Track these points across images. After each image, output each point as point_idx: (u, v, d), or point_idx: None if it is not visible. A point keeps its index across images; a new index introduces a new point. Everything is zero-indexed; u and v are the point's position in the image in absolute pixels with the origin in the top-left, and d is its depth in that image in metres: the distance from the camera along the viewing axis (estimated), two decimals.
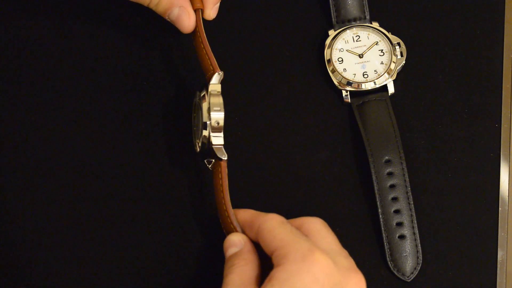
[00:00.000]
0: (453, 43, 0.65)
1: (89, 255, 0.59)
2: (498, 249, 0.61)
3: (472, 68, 0.64)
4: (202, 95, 0.57)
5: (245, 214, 0.55)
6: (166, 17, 0.58)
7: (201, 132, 0.56)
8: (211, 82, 0.56)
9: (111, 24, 0.64)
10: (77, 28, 0.64)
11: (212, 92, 0.56)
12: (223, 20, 0.64)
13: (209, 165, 0.57)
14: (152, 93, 0.63)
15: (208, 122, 0.55)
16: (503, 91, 0.64)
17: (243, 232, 0.55)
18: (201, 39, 0.58)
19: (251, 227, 0.54)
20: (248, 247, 0.54)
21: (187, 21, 0.57)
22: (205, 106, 0.56)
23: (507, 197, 0.62)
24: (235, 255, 0.54)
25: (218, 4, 0.60)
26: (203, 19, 0.59)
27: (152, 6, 0.58)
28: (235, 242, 0.54)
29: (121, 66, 0.64)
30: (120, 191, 0.61)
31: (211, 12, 0.59)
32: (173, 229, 0.60)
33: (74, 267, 0.59)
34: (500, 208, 0.61)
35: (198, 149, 0.58)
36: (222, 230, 0.57)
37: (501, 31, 0.65)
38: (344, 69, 0.63)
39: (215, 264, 0.59)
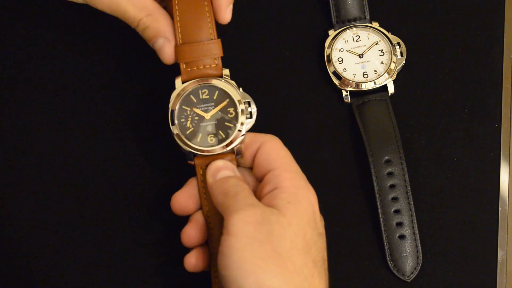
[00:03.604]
0: (453, 43, 0.65)
1: (89, 256, 0.60)
2: (498, 249, 0.61)
3: (472, 68, 0.64)
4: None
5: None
6: (151, 45, 0.57)
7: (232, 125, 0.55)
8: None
9: (110, 24, 0.64)
10: (77, 28, 0.64)
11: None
12: None
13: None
14: (149, 94, 0.63)
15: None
16: (503, 91, 0.64)
17: None
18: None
19: (251, 144, 0.54)
20: (241, 176, 0.54)
21: (168, 54, 0.56)
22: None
23: (507, 197, 0.62)
24: (233, 177, 0.53)
25: (231, 5, 0.57)
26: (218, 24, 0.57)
27: (139, 30, 0.56)
28: (228, 167, 0.54)
29: (120, 67, 0.64)
30: (120, 191, 0.61)
31: (225, 15, 0.57)
32: (173, 228, 0.60)
33: (74, 268, 0.59)
34: (500, 208, 0.61)
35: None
36: None
37: (501, 31, 0.65)
38: (344, 69, 0.63)
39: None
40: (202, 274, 0.57)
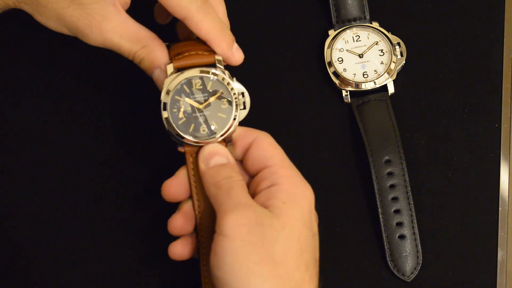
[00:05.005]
0: (453, 43, 0.65)
1: (89, 256, 0.60)
2: (498, 249, 0.61)
3: (472, 68, 0.64)
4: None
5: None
6: (149, 75, 0.55)
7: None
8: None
9: None
10: None
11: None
12: None
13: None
14: (147, 95, 0.63)
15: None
16: (503, 91, 0.64)
17: None
18: None
19: (244, 137, 0.53)
20: (235, 162, 0.53)
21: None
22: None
23: (507, 197, 0.62)
24: (227, 166, 0.52)
25: (235, 44, 0.56)
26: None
27: (135, 62, 0.55)
28: (222, 152, 0.52)
29: (121, 67, 0.64)
30: (119, 191, 0.61)
31: (233, 57, 0.56)
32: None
33: (73, 269, 0.59)
34: (500, 208, 0.61)
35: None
36: None
37: (501, 31, 0.65)
38: (344, 69, 0.64)
39: None
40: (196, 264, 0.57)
